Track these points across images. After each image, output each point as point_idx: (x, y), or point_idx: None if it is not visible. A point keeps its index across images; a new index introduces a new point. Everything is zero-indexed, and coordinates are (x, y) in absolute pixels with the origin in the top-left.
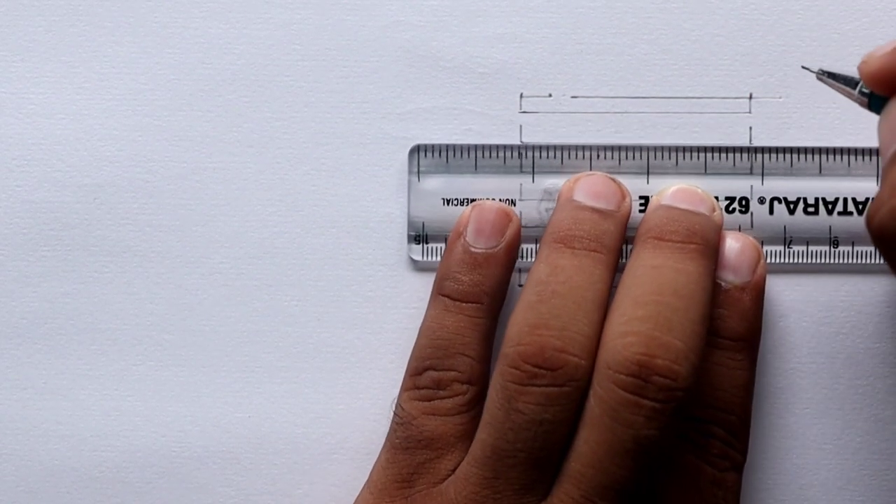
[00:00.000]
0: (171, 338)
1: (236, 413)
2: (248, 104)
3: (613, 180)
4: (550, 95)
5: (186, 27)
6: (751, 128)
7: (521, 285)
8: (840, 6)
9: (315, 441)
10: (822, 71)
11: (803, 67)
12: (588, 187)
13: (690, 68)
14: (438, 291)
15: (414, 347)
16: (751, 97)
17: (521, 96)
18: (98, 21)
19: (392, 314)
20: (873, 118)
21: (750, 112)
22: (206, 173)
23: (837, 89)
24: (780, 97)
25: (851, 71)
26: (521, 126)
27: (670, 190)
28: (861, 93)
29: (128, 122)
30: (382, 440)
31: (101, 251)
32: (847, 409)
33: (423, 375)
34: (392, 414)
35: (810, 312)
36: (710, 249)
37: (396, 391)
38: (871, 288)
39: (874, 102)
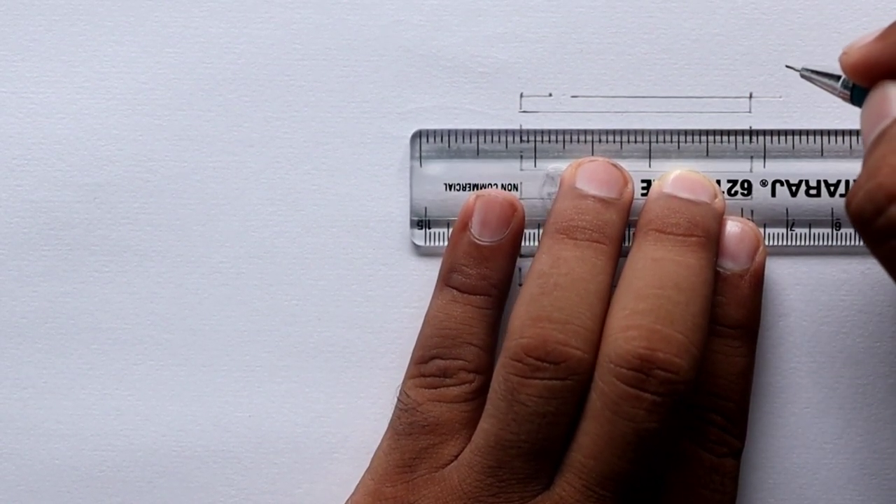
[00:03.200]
0: (171, 337)
1: (236, 412)
2: (248, 104)
3: (615, 166)
4: (551, 95)
5: (186, 27)
6: (751, 127)
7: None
8: (840, 6)
9: (315, 440)
10: (805, 69)
11: (787, 66)
12: (590, 174)
13: (690, 68)
14: (445, 283)
15: (419, 336)
16: (751, 97)
17: (522, 96)
18: (98, 21)
19: (392, 313)
20: None
21: (750, 111)
22: (206, 173)
23: (821, 85)
24: (780, 97)
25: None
26: (521, 125)
27: (671, 176)
28: (844, 87)
29: (128, 121)
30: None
31: (101, 251)
32: (847, 408)
33: (429, 364)
34: (396, 401)
35: (811, 307)
36: (711, 241)
37: (397, 391)
38: (874, 271)
39: (856, 95)
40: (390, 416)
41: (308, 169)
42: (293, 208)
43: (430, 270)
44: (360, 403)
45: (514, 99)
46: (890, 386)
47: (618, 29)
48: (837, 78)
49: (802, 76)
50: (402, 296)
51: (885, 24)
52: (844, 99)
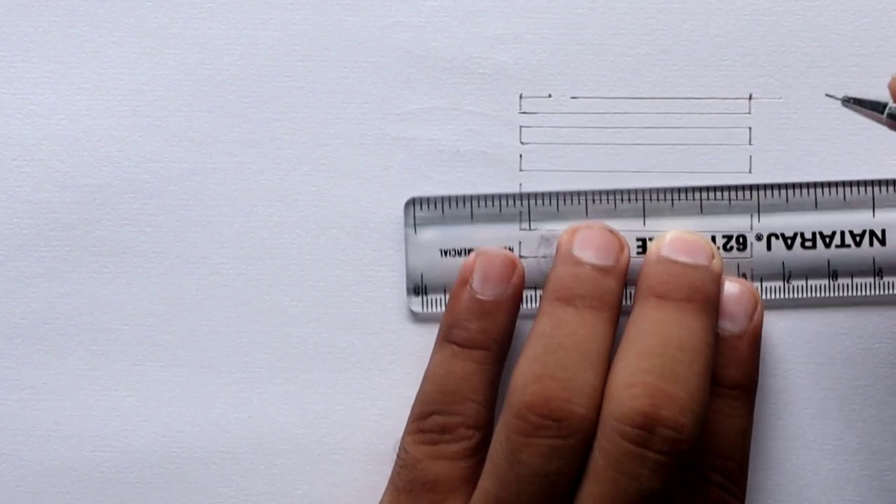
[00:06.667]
0: (171, 338)
1: (236, 413)
2: (248, 104)
3: (611, 232)
4: (550, 96)
5: (186, 27)
6: (750, 129)
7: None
8: (840, 6)
9: (315, 441)
10: (847, 97)
11: (827, 95)
12: (586, 241)
13: (690, 68)
14: (446, 338)
15: (419, 392)
16: (750, 98)
17: (521, 97)
18: (98, 21)
19: (392, 314)
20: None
21: (749, 112)
22: (206, 173)
23: (864, 114)
24: (779, 97)
25: (862, 81)
26: (520, 127)
27: (667, 238)
28: (889, 115)
29: (128, 122)
30: (383, 440)
31: (101, 251)
32: (847, 409)
33: (428, 420)
34: (395, 457)
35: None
36: (712, 305)
37: (396, 391)
38: (872, 321)
39: None
40: (389, 415)
41: (307, 170)
42: (293, 209)
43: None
44: (360, 404)
45: (514, 100)
46: (889, 387)
47: (618, 29)
48: (882, 106)
49: (844, 105)
50: (402, 296)
51: (886, 24)
52: (891, 128)
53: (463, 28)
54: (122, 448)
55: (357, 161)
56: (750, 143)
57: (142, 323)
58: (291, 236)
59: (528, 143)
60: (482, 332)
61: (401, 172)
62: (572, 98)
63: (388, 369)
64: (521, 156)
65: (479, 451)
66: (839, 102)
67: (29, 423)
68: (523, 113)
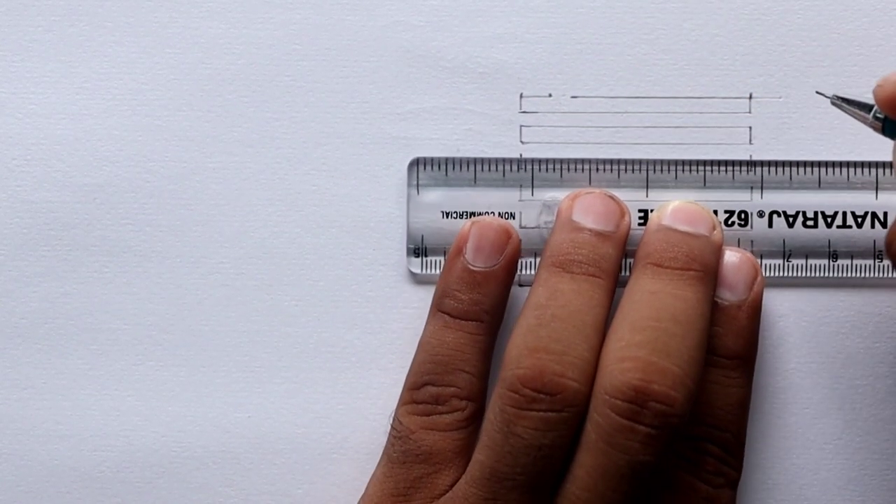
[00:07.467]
0: (171, 338)
1: (236, 413)
2: (248, 104)
3: (612, 198)
4: (550, 95)
5: (186, 27)
6: (751, 128)
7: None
8: (840, 6)
9: (315, 441)
10: (836, 96)
11: (818, 93)
12: (587, 206)
13: (690, 68)
14: (438, 308)
15: (413, 362)
16: (751, 97)
17: (521, 96)
18: (98, 21)
19: (392, 314)
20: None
21: (750, 112)
22: (206, 173)
23: (851, 114)
24: (780, 97)
25: (862, 81)
26: (520, 126)
27: (669, 208)
28: (875, 117)
29: (128, 122)
30: (382, 440)
31: (101, 251)
32: (847, 409)
33: (421, 390)
34: (390, 428)
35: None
36: (709, 274)
37: (396, 391)
38: (871, 301)
39: (888, 127)
40: (387, 430)
41: (308, 169)
42: (293, 209)
43: (429, 283)
44: (360, 404)
45: (514, 99)
46: (889, 386)
47: (618, 29)
48: (869, 108)
49: (833, 103)
50: (402, 296)
51: (886, 24)
52: (876, 129)
53: (463, 28)
54: (122, 447)
55: (357, 161)
56: (750, 143)
57: (142, 322)
58: (291, 236)
59: (528, 143)
60: (474, 303)
61: (401, 172)
62: (572, 97)
63: (389, 368)
64: (521, 155)
65: (472, 423)
66: (834, 101)
67: (29, 423)
68: (523, 112)
